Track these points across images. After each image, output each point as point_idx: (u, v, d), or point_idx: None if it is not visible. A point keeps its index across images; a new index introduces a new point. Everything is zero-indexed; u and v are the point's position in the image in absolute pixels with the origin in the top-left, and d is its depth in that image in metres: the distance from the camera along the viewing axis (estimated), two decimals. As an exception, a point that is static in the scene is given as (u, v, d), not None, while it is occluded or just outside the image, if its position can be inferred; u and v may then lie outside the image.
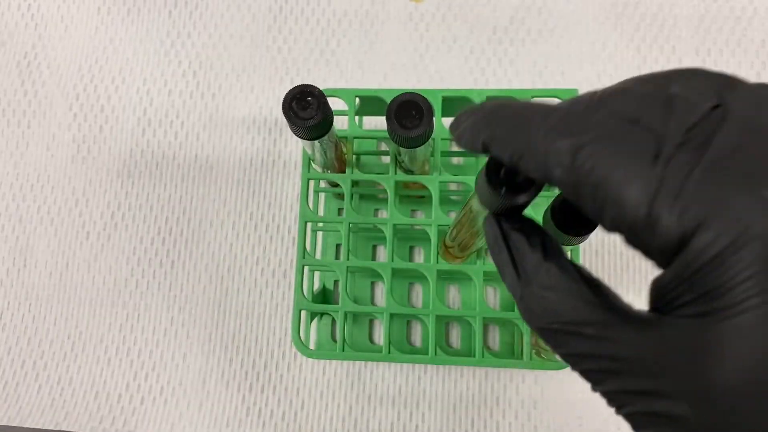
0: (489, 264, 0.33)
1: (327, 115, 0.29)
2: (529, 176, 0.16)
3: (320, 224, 0.42)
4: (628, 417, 0.14)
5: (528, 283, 0.16)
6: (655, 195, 0.12)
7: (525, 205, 0.17)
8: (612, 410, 0.14)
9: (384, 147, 0.43)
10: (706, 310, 0.12)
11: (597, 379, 0.14)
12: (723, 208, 0.12)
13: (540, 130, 0.14)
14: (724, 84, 0.14)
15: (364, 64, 0.46)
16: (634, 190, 0.13)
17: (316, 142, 0.30)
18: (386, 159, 0.44)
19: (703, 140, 0.13)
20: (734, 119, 0.13)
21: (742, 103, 0.13)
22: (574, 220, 0.26)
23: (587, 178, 0.13)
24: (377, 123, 0.45)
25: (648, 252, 0.13)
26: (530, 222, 0.17)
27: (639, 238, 0.13)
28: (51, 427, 0.41)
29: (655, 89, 0.14)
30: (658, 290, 0.14)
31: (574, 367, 0.15)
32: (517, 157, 0.15)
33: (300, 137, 0.30)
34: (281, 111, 0.46)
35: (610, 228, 0.14)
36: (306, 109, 0.28)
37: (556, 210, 0.27)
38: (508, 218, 0.17)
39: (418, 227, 0.41)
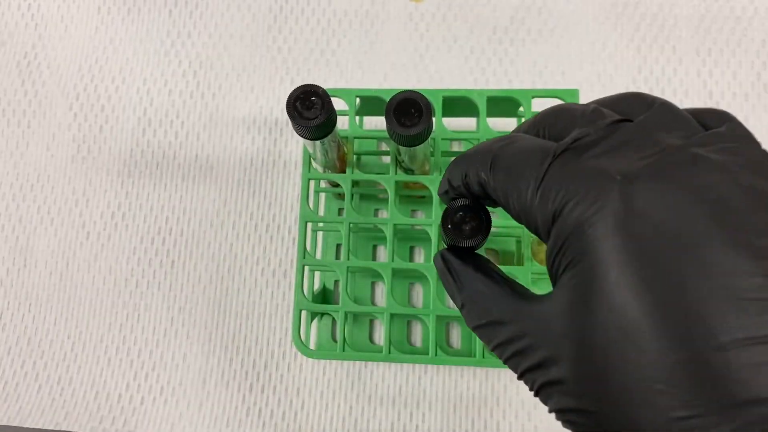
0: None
1: (331, 115, 0.29)
2: (473, 226, 0.20)
3: (320, 224, 0.42)
4: (539, 395, 0.16)
5: (465, 292, 0.19)
6: (539, 183, 0.15)
7: (471, 249, 0.21)
8: None
9: (384, 147, 0.43)
10: (574, 273, 0.14)
11: (516, 362, 0.16)
12: (585, 189, 0.14)
13: (477, 150, 0.18)
14: (649, 103, 0.16)
15: (364, 64, 0.46)
16: (525, 181, 0.16)
17: (318, 141, 0.30)
18: (387, 159, 0.44)
19: (589, 144, 0.15)
20: (625, 129, 0.16)
21: (646, 116, 0.16)
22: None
23: (499, 175, 0.17)
24: (377, 123, 0.45)
25: (538, 232, 0.16)
26: (465, 250, 0.21)
27: (531, 220, 0.16)
28: (51, 427, 0.41)
29: (580, 107, 0.17)
30: (548, 266, 0.16)
31: (502, 357, 0.17)
32: (464, 176, 0.19)
33: (303, 137, 0.30)
34: (281, 111, 0.46)
35: (515, 215, 0.17)
36: (310, 109, 0.28)
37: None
38: (451, 250, 0.21)
39: (418, 227, 0.41)
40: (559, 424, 0.15)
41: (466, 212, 0.22)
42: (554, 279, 0.16)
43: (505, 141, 0.18)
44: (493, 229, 0.28)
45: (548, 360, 0.15)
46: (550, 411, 0.16)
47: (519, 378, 0.17)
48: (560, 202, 0.15)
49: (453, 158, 0.20)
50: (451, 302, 0.42)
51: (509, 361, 0.17)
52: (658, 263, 0.13)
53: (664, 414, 0.12)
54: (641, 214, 0.14)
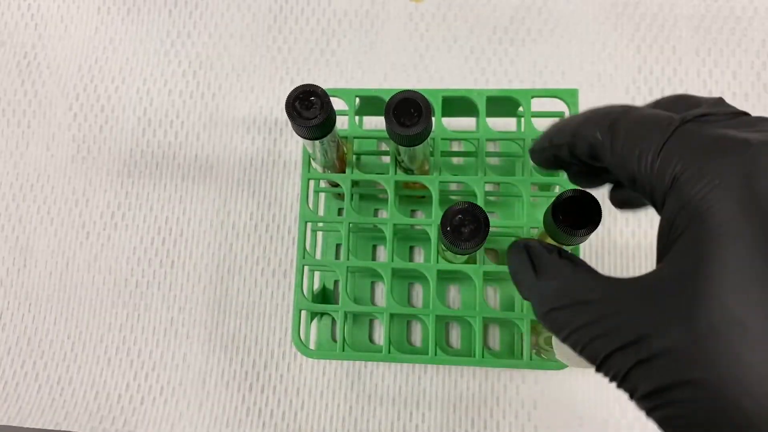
0: (489, 264, 0.33)
1: (330, 115, 0.29)
2: (472, 228, 0.22)
3: (320, 224, 0.42)
4: (625, 380, 0.15)
5: (544, 274, 0.18)
6: (661, 147, 0.16)
7: (470, 251, 0.22)
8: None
9: (384, 147, 0.43)
10: (694, 234, 0.14)
11: (601, 344, 0.15)
12: (708, 155, 0.15)
13: (592, 114, 0.19)
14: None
15: (364, 64, 0.46)
16: (647, 144, 0.16)
17: (318, 141, 0.30)
18: (386, 159, 0.44)
19: (713, 120, 0.16)
20: (746, 118, 0.16)
21: (763, 117, 0.16)
22: (574, 217, 0.27)
23: (618, 137, 0.17)
24: (377, 123, 0.45)
25: (653, 198, 0.16)
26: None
27: (646, 184, 0.16)
28: (51, 427, 0.41)
29: (702, 97, 0.18)
30: (660, 233, 0.16)
31: (581, 341, 0.16)
32: (572, 136, 0.19)
33: (302, 137, 0.30)
34: (281, 111, 0.46)
35: (629, 179, 0.17)
36: (309, 109, 0.28)
37: (557, 209, 0.27)
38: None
39: (418, 227, 0.41)
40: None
41: (465, 215, 0.22)
42: (668, 245, 0.15)
43: (626, 108, 0.18)
44: (493, 229, 0.28)
45: (647, 334, 0.14)
46: (640, 397, 0.15)
47: (599, 366, 0.16)
48: (682, 166, 0.15)
49: (556, 120, 0.20)
50: (451, 302, 0.42)
51: (591, 345, 0.16)
52: None
53: None
54: None
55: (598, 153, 0.18)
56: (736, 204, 0.13)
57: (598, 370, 0.16)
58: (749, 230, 0.13)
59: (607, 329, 0.15)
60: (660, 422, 0.14)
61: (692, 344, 0.13)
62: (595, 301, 0.16)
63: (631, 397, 0.15)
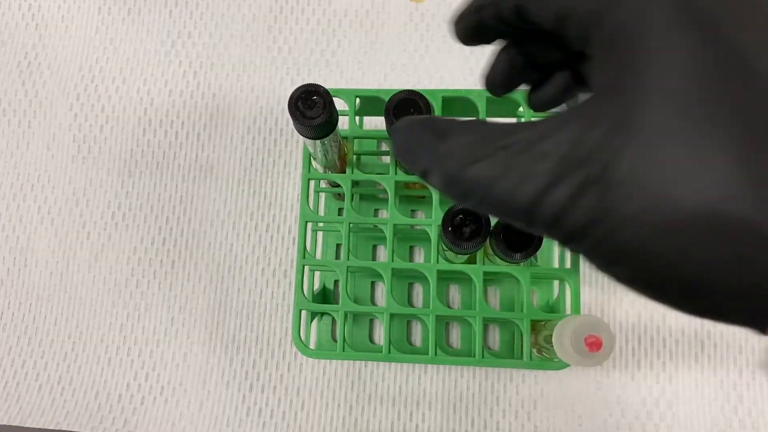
0: (489, 264, 0.33)
1: (332, 115, 0.29)
2: (473, 228, 0.22)
3: (320, 224, 0.42)
4: (576, 207, 0.13)
5: (451, 136, 0.15)
6: None
7: (472, 251, 0.21)
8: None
9: (384, 147, 0.43)
10: (624, 44, 0.13)
11: (537, 189, 0.13)
12: None
13: None
14: None
15: (364, 65, 0.46)
16: None
17: (319, 141, 0.30)
18: (387, 159, 0.44)
19: None
20: None
21: None
22: (516, 240, 0.27)
23: None
24: (377, 123, 0.45)
25: (587, 30, 0.15)
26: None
27: (573, 15, 0.15)
28: (51, 427, 0.41)
29: None
30: (589, 70, 0.15)
31: (511, 192, 0.14)
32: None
33: (305, 136, 0.30)
34: (282, 111, 0.46)
35: (556, 15, 0.15)
36: (312, 108, 0.28)
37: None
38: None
39: (418, 227, 0.41)
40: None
41: (466, 215, 0.22)
42: (594, 69, 0.15)
43: None
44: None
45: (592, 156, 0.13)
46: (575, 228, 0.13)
47: (530, 221, 0.14)
48: None
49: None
50: (451, 302, 0.43)
51: (518, 191, 0.13)
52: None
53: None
54: None
55: (524, 2, 0.16)
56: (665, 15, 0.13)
57: (529, 221, 0.14)
58: (683, 36, 0.13)
59: (539, 171, 0.13)
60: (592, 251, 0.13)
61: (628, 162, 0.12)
62: (519, 140, 0.14)
63: (565, 239, 0.14)
